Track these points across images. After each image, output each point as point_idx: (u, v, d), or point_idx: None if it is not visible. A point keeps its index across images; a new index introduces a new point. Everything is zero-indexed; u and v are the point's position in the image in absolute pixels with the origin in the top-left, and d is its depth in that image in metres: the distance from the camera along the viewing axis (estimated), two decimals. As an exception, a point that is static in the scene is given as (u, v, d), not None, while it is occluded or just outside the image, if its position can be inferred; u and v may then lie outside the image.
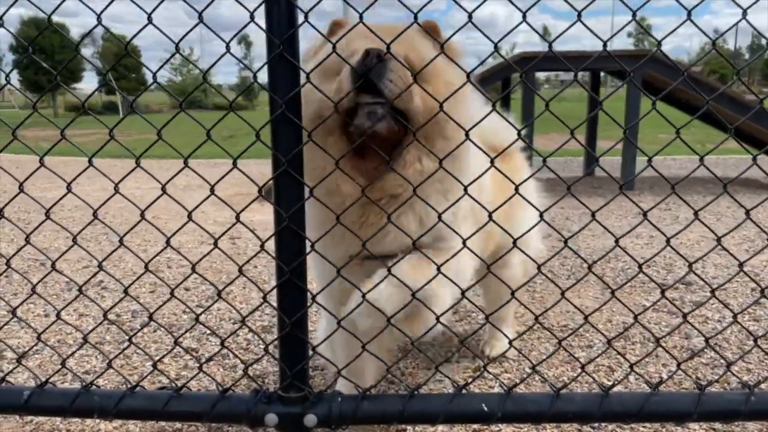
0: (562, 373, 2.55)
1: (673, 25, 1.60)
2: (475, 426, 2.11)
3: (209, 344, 2.90)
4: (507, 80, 9.59)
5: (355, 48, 1.62)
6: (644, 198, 7.04)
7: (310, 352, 1.72)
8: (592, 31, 1.56)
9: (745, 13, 1.59)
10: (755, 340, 1.81)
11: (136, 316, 3.36)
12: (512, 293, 1.74)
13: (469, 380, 2.41)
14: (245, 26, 1.56)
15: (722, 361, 2.50)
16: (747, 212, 1.63)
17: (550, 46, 1.57)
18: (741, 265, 1.71)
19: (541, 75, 13.83)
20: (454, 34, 1.74)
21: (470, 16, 1.52)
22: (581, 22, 1.50)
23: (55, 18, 1.68)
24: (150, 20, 1.52)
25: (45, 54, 35.88)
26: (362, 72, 1.55)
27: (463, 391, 1.74)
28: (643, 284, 3.69)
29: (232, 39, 1.56)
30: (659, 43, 1.55)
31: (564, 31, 1.61)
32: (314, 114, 1.64)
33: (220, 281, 3.89)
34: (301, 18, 1.53)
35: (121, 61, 38.25)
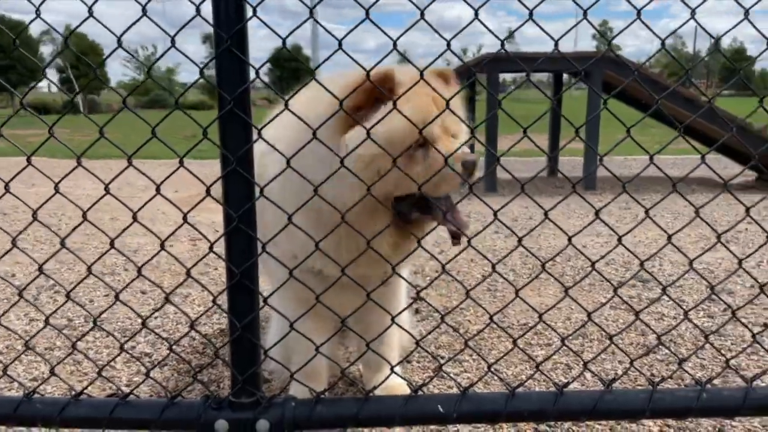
0: (521, 372, 2.56)
1: (636, 28, 1.60)
2: (432, 427, 2.10)
3: (164, 349, 2.83)
4: (472, 81, 9.62)
5: (435, 134, 1.71)
6: (605, 197, 7.15)
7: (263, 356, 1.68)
8: (546, 32, 1.57)
9: (693, 12, 1.61)
10: (706, 337, 1.84)
11: (90, 321, 3.26)
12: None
13: (427, 380, 2.39)
14: (189, 21, 1.51)
15: (677, 357, 2.54)
16: (696, 210, 1.65)
17: (502, 44, 1.55)
18: (691, 263, 1.73)
19: (508, 76, 13.94)
20: (404, 33, 1.70)
21: (422, 14, 1.50)
22: (533, 20, 1.51)
23: (13, 16, 1.61)
24: (90, 13, 1.47)
25: (3, 52, 34.85)
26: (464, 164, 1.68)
27: (420, 392, 1.73)
28: (602, 282, 3.73)
29: (176, 34, 1.51)
30: (609, 43, 1.56)
31: (513, 32, 1.62)
32: (384, 194, 1.69)
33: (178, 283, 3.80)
34: (250, 12, 1.50)
35: (82, 59, 37.35)
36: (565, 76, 10.14)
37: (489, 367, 1.80)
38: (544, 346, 2.84)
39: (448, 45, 1.57)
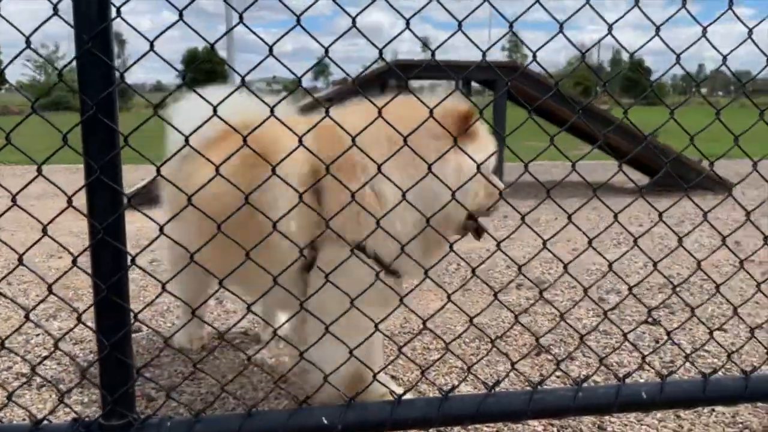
0: (416, 378, 2.58)
1: (544, 38, 1.68)
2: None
3: (41, 368, 2.64)
4: (384, 86, 9.74)
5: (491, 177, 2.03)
6: (525, 204, 7.36)
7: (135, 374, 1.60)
8: (472, 41, 1.62)
9: (610, 28, 1.68)
10: (581, 338, 1.92)
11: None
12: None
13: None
14: (46, 21, 1.41)
15: (555, 359, 2.64)
16: (615, 215, 1.75)
17: (433, 54, 1.59)
18: (565, 267, 1.80)
19: (415, 83, 14.07)
20: (337, 39, 1.65)
21: (354, 22, 1.50)
22: (462, 32, 1.55)
23: None
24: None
25: None
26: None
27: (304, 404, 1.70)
28: (516, 286, 3.84)
29: (33, 33, 1.41)
30: (534, 55, 1.60)
31: (442, 42, 1.66)
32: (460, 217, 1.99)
33: (66, 298, 3.57)
34: (114, 12, 1.42)
35: (-26, 58, 34.76)
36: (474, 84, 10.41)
37: (374, 376, 1.80)
38: (441, 350, 2.88)
39: (380, 53, 1.55)
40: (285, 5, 1.59)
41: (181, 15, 1.40)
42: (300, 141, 1.51)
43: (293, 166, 1.82)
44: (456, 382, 2.47)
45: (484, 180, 1.92)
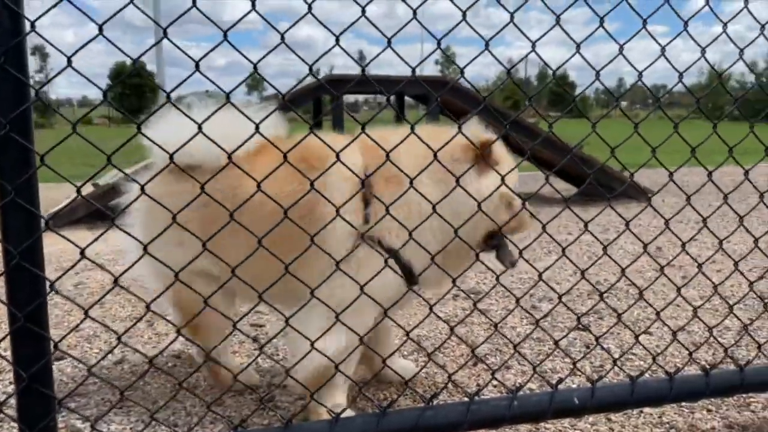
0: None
1: (475, 54, 1.76)
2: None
3: None
4: (317, 101, 9.75)
5: (511, 199, 2.10)
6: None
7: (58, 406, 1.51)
8: (401, 57, 1.64)
9: (534, 45, 1.74)
10: (514, 347, 1.95)
11: None
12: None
13: (252, 413, 2.30)
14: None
15: (490, 368, 2.68)
16: (543, 226, 1.79)
17: (363, 70, 1.59)
18: (497, 277, 1.83)
19: (350, 98, 14.21)
20: (266, 55, 1.62)
21: (282, 38, 1.49)
22: (392, 48, 1.60)
23: None
24: None
25: None
26: None
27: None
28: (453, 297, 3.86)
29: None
30: (462, 71, 1.62)
31: (374, 57, 1.66)
32: (487, 229, 2.08)
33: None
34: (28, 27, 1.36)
35: None
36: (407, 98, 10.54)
37: (312, 395, 1.77)
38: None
39: (311, 70, 1.55)
40: (210, 20, 1.56)
41: (100, 29, 1.35)
42: (337, 155, 1.65)
43: (348, 173, 1.88)
44: (395, 396, 2.47)
45: (500, 201, 2.05)
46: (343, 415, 1.75)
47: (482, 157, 2.03)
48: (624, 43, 1.87)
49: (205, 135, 1.43)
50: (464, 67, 1.75)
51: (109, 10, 1.39)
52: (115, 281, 1.46)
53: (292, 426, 1.71)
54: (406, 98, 10.67)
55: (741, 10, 2.04)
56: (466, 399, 1.87)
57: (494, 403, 1.90)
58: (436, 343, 3.16)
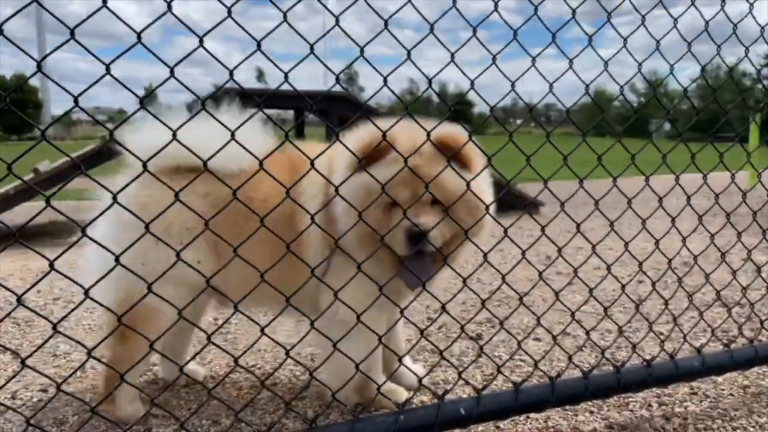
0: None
1: (375, 72, 1.75)
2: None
3: None
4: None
5: (401, 198, 2.00)
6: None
7: None
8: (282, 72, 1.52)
9: (453, 56, 1.71)
10: (399, 359, 1.91)
11: None
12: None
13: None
14: None
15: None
16: (466, 230, 1.73)
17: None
18: (380, 289, 1.79)
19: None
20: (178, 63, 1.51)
21: (172, 72, 1.42)
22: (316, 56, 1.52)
23: None
24: None
25: None
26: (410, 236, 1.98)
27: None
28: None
29: None
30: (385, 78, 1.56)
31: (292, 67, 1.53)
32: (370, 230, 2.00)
33: None
34: None
35: None
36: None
37: (208, 392, 1.64)
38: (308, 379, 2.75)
39: (231, 74, 1.42)
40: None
41: None
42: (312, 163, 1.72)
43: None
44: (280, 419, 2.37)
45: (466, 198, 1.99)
46: None
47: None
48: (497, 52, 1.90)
49: (238, 143, 1.54)
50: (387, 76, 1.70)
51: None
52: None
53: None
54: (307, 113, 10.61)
55: (619, 50, 2.15)
56: (350, 418, 1.80)
57: (380, 419, 1.85)
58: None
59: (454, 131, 2.02)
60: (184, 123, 1.51)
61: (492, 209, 2.09)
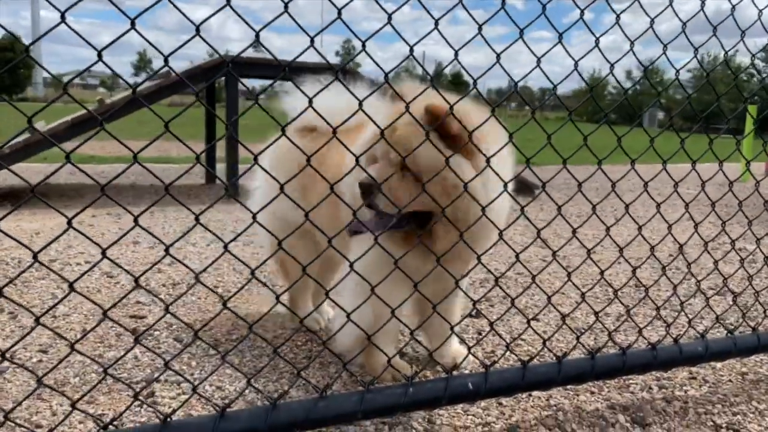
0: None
1: (378, 48, 1.69)
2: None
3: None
4: (211, 86, 9.39)
5: (375, 153, 2.06)
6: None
7: None
8: (269, 51, 1.48)
9: (412, 49, 1.67)
10: (411, 333, 1.91)
11: None
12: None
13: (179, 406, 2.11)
14: None
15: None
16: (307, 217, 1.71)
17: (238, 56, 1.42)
18: (327, 293, 1.78)
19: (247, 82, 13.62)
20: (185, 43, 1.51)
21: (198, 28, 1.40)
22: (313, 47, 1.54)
23: None
24: None
25: None
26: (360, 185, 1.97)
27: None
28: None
29: None
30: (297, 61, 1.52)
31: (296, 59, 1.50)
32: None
33: None
34: None
35: None
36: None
37: (194, 388, 1.63)
38: (270, 355, 2.74)
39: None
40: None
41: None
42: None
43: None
44: (286, 388, 2.36)
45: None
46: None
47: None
48: (503, 51, 1.85)
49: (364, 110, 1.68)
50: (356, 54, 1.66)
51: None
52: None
53: (172, 423, 1.56)
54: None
55: (612, 26, 2.09)
56: (360, 388, 1.80)
57: (389, 391, 1.85)
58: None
59: (443, 104, 1.88)
60: (318, 92, 1.66)
61: (495, 212, 2.05)
